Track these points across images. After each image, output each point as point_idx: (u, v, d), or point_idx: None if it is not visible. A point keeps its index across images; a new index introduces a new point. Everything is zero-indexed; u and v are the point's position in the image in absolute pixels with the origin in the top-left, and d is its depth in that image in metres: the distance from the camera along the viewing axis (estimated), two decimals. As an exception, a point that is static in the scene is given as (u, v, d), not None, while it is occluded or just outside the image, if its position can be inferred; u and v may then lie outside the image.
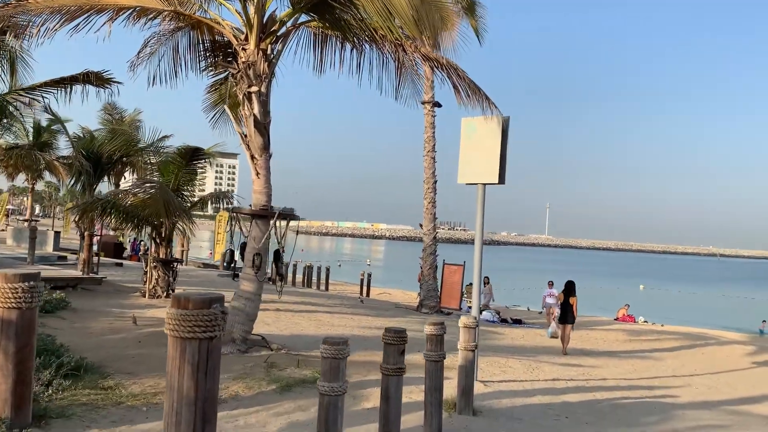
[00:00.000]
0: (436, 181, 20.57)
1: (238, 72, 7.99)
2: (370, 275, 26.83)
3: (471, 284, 32.66)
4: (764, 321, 33.52)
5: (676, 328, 24.31)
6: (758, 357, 16.89)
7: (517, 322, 20.77)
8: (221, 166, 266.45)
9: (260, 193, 8.32)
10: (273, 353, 8.17)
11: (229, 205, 13.07)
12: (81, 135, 20.14)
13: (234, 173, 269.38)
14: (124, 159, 17.59)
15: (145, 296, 13.90)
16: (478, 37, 20.29)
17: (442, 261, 26.67)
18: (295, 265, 26.48)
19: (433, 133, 20.48)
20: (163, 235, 13.96)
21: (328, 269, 27.76)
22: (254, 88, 7.96)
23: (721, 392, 10.89)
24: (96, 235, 18.92)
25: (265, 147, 8.16)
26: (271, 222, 8.36)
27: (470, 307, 23.98)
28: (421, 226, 20.83)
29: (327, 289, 26.18)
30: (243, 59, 8.00)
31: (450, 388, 7.44)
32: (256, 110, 8.00)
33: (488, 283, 33.15)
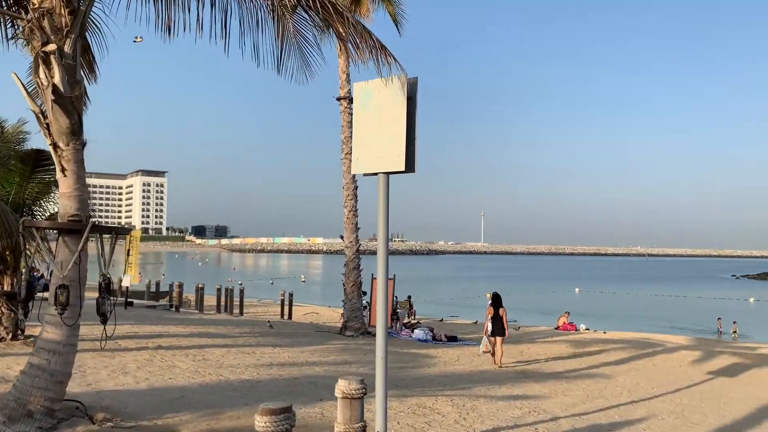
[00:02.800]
0: (356, 187, 18.32)
1: (29, 23, 5.51)
2: (291, 294, 24.21)
3: (409, 298, 31.04)
4: (719, 319, 32.73)
5: (619, 335, 22.98)
6: (708, 365, 15.54)
7: (452, 339, 18.74)
8: (148, 184, 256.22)
9: (69, 197, 5.79)
10: (95, 428, 5.62)
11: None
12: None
13: (162, 192, 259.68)
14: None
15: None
16: (397, 26, 18.29)
17: (371, 275, 24.50)
18: (202, 288, 23.59)
19: (352, 133, 18.26)
20: (6, 261, 11.06)
21: (242, 291, 24.93)
22: (52, 47, 5.48)
23: (691, 421, 9.07)
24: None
25: (74, 131, 5.66)
26: (91, 237, 5.81)
27: (406, 325, 22.10)
28: (342, 238, 18.48)
29: (241, 313, 23.41)
30: (35, 4, 5.54)
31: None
32: (57, 78, 5.51)
33: (412, 306, 31.24)
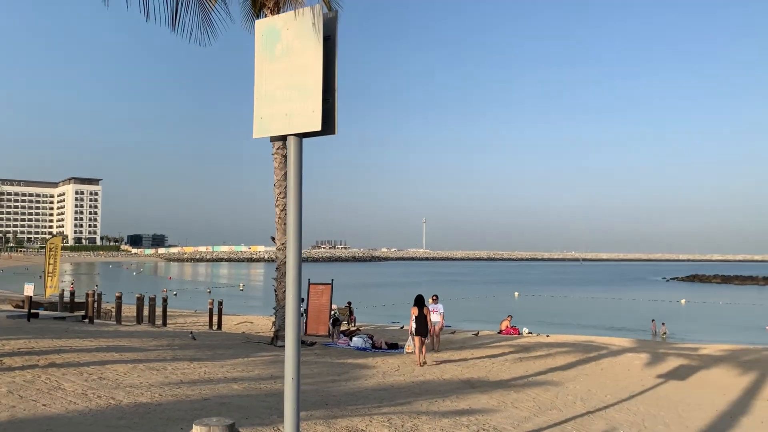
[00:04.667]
0: (288, 184, 16.92)
1: None
2: (221, 303, 22.44)
3: (348, 304, 29.65)
4: (653, 320, 33.31)
5: (562, 338, 22.46)
6: (657, 368, 15.03)
7: (393, 346, 17.58)
8: (81, 192, 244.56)
9: None
10: None
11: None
12: None
13: (97, 200, 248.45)
14: None
15: None
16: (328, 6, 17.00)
17: (307, 280, 23.08)
18: (119, 297, 21.53)
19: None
20: None
21: (165, 300, 22.97)
22: None
23: (653, 433, 8.20)
24: None
25: None
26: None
27: (344, 333, 20.72)
28: (273, 240, 16.99)
29: (165, 323, 21.48)
30: None
31: None
32: None
33: (352, 312, 29.81)
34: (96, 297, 21.23)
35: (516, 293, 64.00)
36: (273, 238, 16.91)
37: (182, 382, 9.15)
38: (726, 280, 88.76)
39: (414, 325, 14.44)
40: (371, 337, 18.13)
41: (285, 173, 16.80)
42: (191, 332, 16.43)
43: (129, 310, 25.20)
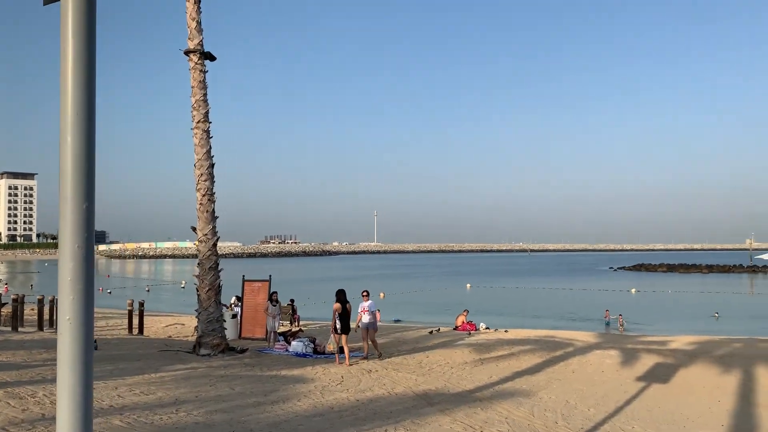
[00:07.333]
0: (213, 165, 14.50)
1: None
2: (142, 303, 19.77)
3: (291, 302, 27.21)
4: (607, 310, 32.66)
5: (522, 334, 20.81)
6: (632, 369, 13.42)
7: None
8: (15, 188, 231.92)
9: None
10: None
11: None
12: None
13: (32, 195, 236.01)
14: None
15: None
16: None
17: (242, 276, 20.70)
18: (21, 299, 18.56)
19: (205, 95, 14.39)
20: None
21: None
22: None
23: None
24: None
25: None
26: None
27: (282, 337, 18.35)
28: (194, 230, 14.55)
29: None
30: None
31: None
32: None
33: (295, 311, 27.03)
34: (20, 300, 18.22)
35: (468, 285, 62.98)
36: (194, 228, 14.47)
37: (42, 418, 6.77)
38: (671, 268, 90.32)
39: (338, 323, 13.27)
40: (313, 341, 15.93)
41: (203, 98, 14.32)
42: (95, 341, 13.85)
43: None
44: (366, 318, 14.22)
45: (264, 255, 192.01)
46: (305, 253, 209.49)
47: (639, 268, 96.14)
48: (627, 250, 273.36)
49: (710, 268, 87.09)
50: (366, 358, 13.97)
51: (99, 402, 7.90)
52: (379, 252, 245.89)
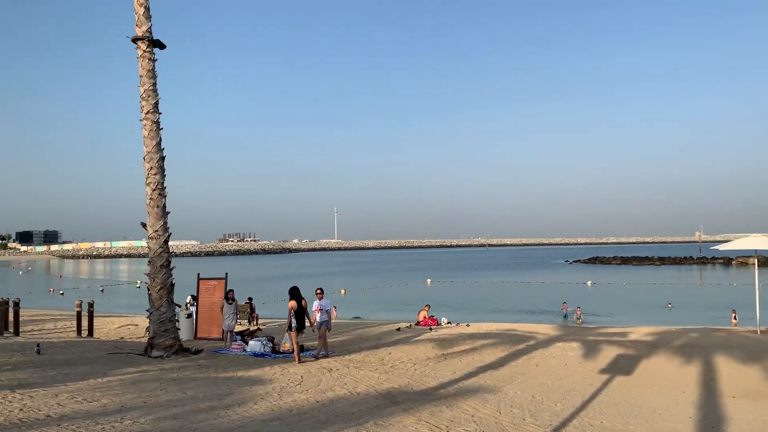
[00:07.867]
0: (163, 158, 13.79)
1: None
2: (92, 304, 18.84)
3: (249, 300, 26.43)
4: (565, 303, 33.14)
5: (483, 327, 20.71)
6: (595, 362, 13.41)
7: (300, 349, 14.91)
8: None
9: None
10: None
11: None
12: None
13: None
14: None
15: None
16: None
17: (197, 274, 19.95)
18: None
19: (154, 84, 13.66)
20: None
21: (16, 302, 19.00)
22: None
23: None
24: None
25: None
26: None
27: (240, 336, 17.69)
28: (144, 226, 13.81)
29: (17, 332, 17.60)
30: None
31: None
32: None
33: (253, 310, 26.22)
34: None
35: (429, 280, 63.03)
36: (144, 225, 13.74)
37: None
38: (625, 261, 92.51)
39: (293, 321, 13.00)
40: (272, 339, 15.40)
41: (152, 87, 13.62)
42: (38, 344, 12.99)
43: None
44: (320, 317, 13.78)
45: (222, 253, 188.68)
46: (264, 251, 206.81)
47: (594, 261, 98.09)
48: (582, 244, 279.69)
49: (662, 260, 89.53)
50: (317, 357, 13.55)
51: (35, 412, 7.26)
52: (339, 249, 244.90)
